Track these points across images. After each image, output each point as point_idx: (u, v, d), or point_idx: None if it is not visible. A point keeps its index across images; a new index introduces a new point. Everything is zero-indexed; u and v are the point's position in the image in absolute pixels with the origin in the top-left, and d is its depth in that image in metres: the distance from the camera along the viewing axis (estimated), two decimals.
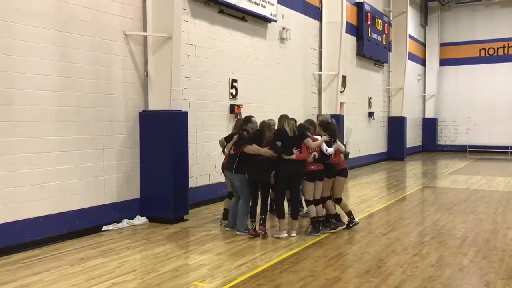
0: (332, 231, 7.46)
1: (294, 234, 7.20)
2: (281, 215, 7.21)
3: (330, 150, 7.24)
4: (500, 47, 24.83)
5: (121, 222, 7.93)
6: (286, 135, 7.04)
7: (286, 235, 7.12)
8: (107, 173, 7.80)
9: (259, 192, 7.28)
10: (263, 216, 7.16)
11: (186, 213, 8.48)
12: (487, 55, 25.17)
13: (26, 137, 6.54)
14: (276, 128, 7.44)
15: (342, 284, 5.20)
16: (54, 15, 6.90)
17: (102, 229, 7.60)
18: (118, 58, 7.96)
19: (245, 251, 6.44)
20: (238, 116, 10.56)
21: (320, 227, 7.37)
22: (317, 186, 7.32)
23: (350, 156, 15.13)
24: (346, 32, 15.34)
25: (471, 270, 5.76)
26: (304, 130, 7.34)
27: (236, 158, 7.25)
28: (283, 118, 7.25)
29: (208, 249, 6.57)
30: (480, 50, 25.27)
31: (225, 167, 7.52)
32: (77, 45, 7.24)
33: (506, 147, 24.20)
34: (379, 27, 18.72)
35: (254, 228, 7.14)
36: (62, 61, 7.02)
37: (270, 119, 7.96)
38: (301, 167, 7.14)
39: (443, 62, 26.04)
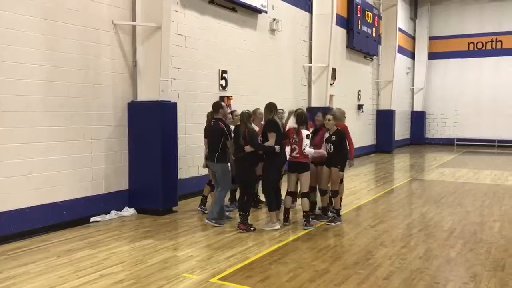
0: (322, 222, 7.51)
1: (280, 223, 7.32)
2: (273, 208, 7.18)
3: (307, 149, 7.11)
4: (489, 41, 24.98)
5: (109, 213, 7.88)
6: (280, 129, 7.12)
7: (278, 226, 7.12)
8: (95, 164, 7.73)
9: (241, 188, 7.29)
10: (245, 214, 7.07)
11: (175, 204, 8.44)
12: (475, 49, 25.32)
13: (12, 127, 6.44)
14: (263, 117, 7.44)
15: (331, 276, 5.22)
16: (41, 3, 6.77)
17: (90, 221, 7.54)
18: (106, 48, 7.86)
19: (234, 243, 6.43)
20: (228, 108, 10.53)
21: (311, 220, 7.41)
22: (301, 179, 7.26)
23: None
24: (336, 24, 15.33)
25: (458, 262, 5.81)
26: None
27: (218, 148, 7.27)
28: (273, 108, 7.19)
29: (197, 241, 6.55)
30: (469, 44, 25.40)
31: (208, 158, 7.56)
32: (64, 34, 7.13)
33: (493, 141, 24.44)
34: (369, 20, 18.73)
35: (242, 222, 7.09)
36: (49, 50, 6.91)
37: (257, 109, 8.00)
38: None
39: (432, 56, 26.16)
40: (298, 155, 7.15)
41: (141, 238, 6.67)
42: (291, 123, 7.59)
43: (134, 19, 8.26)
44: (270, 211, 7.22)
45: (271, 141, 6.98)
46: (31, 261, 5.62)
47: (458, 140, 25.43)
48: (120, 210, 8.08)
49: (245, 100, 11.13)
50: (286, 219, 7.41)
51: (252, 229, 7.05)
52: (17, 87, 6.49)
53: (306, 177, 7.24)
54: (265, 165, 7.20)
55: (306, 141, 7.10)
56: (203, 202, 8.31)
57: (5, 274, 5.19)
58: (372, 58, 20.17)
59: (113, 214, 7.91)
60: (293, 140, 7.17)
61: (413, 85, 26.17)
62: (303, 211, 7.31)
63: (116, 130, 8.10)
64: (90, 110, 7.60)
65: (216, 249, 6.18)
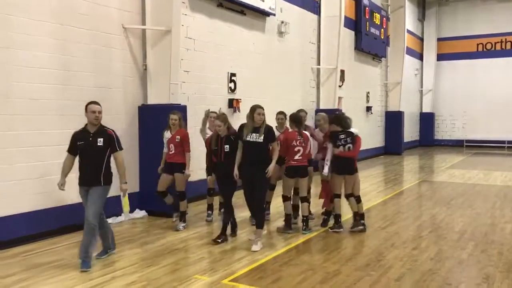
0: (338, 230, 7.13)
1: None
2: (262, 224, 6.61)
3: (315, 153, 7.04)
4: (498, 42, 24.83)
5: (120, 215, 7.93)
6: None
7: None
8: None
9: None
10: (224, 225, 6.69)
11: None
12: (484, 50, 25.18)
13: (24, 130, 6.52)
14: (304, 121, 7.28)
15: (342, 277, 5.22)
16: (52, 8, 6.85)
17: None
18: (117, 52, 7.93)
19: (245, 245, 6.43)
20: (237, 111, 10.59)
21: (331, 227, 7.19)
22: (301, 182, 7.02)
23: None
24: (344, 26, 15.31)
25: (470, 263, 5.78)
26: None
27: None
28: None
29: (208, 243, 6.56)
30: (477, 45, 25.27)
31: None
32: (75, 38, 7.20)
33: (503, 142, 24.26)
34: (377, 22, 18.70)
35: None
36: (60, 54, 6.99)
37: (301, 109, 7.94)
38: None
39: (441, 57, 26.05)
40: (301, 158, 6.90)
41: (152, 240, 6.70)
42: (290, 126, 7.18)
43: (144, 23, 8.33)
44: (259, 229, 6.41)
45: (277, 150, 6.45)
46: (44, 263, 5.67)
47: (468, 141, 25.27)
48: (131, 212, 8.12)
49: (254, 102, 11.10)
50: (289, 226, 7.09)
51: (219, 241, 6.49)
52: (30, 91, 6.57)
53: (306, 180, 7.06)
54: (261, 174, 6.31)
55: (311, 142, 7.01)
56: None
57: (18, 276, 5.23)
58: (380, 60, 20.13)
59: (124, 216, 7.96)
60: (298, 143, 6.87)
61: (421, 87, 26.08)
62: (303, 216, 7.09)
63: (126, 133, 8.14)
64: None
65: (227, 251, 6.20)
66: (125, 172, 5.80)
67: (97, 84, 7.57)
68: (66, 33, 7.06)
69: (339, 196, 7.17)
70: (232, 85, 10.75)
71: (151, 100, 8.37)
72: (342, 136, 7.06)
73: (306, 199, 7.10)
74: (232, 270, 5.40)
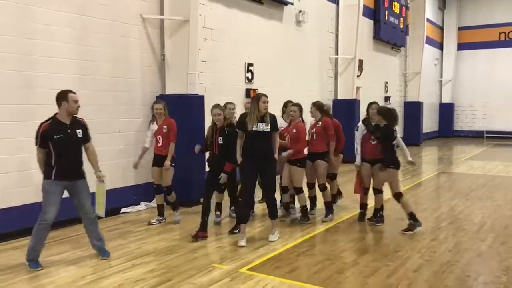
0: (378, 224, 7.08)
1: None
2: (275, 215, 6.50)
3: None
4: None
5: (139, 204, 8.02)
6: None
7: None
8: (124, 157, 7.85)
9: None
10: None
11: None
12: (507, 39, 24.66)
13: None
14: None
15: (360, 267, 5.21)
16: None
17: (121, 212, 7.69)
18: (135, 42, 7.97)
19: (262, 235, 6.45)
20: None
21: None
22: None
23: None
24: (363, 15, 15.14)
25: (489, 255, 5.72)
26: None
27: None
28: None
29: (225, 232, 6.61)
30: (499, 33, 24.76)
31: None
32: (94, 28, 7.26)
33: None
34: (397, 10, 18.44)
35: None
36: (80, 45, 7.05)
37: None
38: None
39: (461, 46, 25.61)
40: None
41: (170, 229, 6.78)
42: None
43: (162, 13, 8.34)
44: (274, 219, 6.33)
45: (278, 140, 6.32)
46: (64, 251, 5.79)
47: (488, 132, 24.87)
48: (150, 201, 8.21)
49: (271, 92, 11.08)
50: (307, 217, 7.14)
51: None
52: (50, 81, 6.64)
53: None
54: (271, 164, 6.12)
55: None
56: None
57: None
58: (399, 49, 19.87)
59: (143, 205, 8.06)
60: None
61: (441, 77, 25.70)
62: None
63: (144, 123, 8.19)
64: (119, 103, 7.73)
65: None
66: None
67: (115, 74, 7.63)
68: (85, 23, 7.11)
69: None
70: (249, 75, 10.74)
71: (169, 90, 8.41)
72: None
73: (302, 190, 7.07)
74: (249, 260, 5.43)
